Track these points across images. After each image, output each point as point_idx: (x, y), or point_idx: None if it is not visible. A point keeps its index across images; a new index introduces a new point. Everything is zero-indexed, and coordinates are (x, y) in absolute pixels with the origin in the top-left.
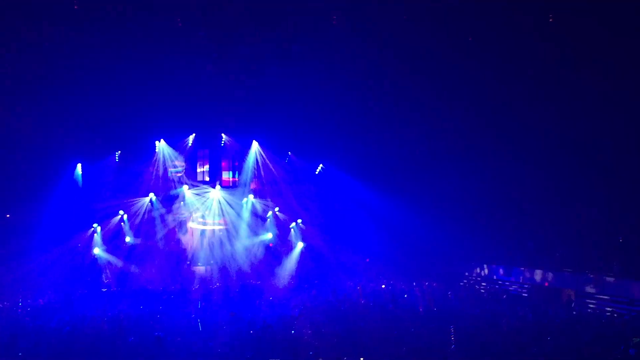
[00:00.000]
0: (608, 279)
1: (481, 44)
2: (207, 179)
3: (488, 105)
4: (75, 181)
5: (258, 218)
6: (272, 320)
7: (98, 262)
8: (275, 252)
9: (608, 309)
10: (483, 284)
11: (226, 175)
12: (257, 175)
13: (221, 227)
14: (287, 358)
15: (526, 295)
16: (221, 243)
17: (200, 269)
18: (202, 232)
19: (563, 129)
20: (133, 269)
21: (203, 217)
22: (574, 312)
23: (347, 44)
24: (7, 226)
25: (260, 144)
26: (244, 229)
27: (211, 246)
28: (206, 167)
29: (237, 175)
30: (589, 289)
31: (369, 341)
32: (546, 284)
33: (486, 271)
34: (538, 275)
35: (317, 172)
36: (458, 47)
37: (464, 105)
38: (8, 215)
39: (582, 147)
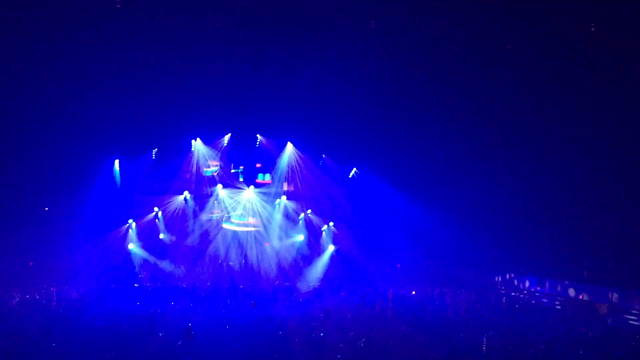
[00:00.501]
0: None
1: (514, 52)
2: (240, 179)
3: (524, 114)
4: (112, 177)
5: (290, 220)
6: (300, 321)
7: (132, 258)
8: (306, 254)
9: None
10: (514, 294)
11: (260, 178)
12: (290, 177)
13: (253, 228)
14: None
15: (559, 307)
16: (253, 243)
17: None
18: (235, 232)
19: (601, 140)
20: (175, 269)
21: (236, 217)
22: (609, 326)
23: (383, 48)
24: (45, 220)
25: (295, 145)
26: (275, 231)
27: (243, 246)
28: (241, 168)
29: (269, 177)
30: (624, 304)
31: (397, 347)
32: (580, 297)
33: (517, 282)
34: (572, 288)
35: (350, 176)
36: (491, 54)
37: (500, 112)
38: (47, 209)
39: (619, 158)
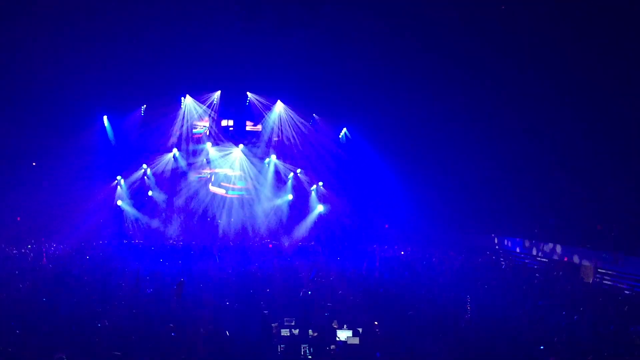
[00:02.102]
0: (628, 257)
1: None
2: (230, 128)
3: (513, 76)
4: (101, 133)
5: (279, 179)
6: (288, 280)
7: (121, 214)
8: (296, 215)
9: (627, 287)
10: (501, 258)
11: (250, 124)
12: (280, 135)
13: (241, 193)
14: (302, 317)
15: (544, 269)
16: (242, 204)
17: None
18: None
19: (587, 106)
20: (164, 226)
21: (225, 180)
22: (593, 287)
23: (376, 7)
24: (33, 175)
25: (285, 104)
26: (266, 191)
27: (232, 206)
28: (231, 122)
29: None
30: (609, 266)
31: (383, 306)
32: (565, 259)
33: (506, 243)
34: (557, 250)
35: (341, 136)
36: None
37: (490, 73)
38: (34, 164)
39: (607, 125)
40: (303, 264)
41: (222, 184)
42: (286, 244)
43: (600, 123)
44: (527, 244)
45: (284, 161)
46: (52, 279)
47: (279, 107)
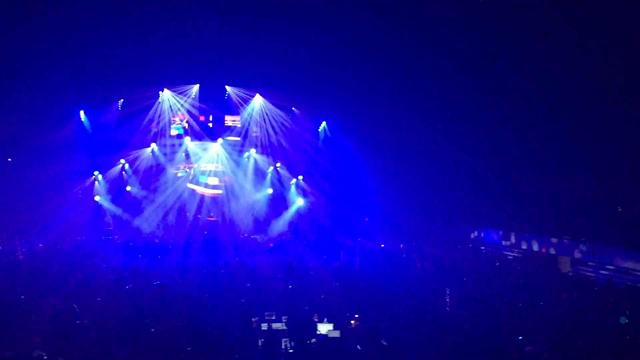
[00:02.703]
0: (605, 248)
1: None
2: (209, 124)
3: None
4: (78, 127)
5: (259, 173)
6: (267, 273)
7: (100, 210)
8: (275, 209)
9: (603, 277)
10: (482, 247)
11: (230, 118)
12: (259, 129)
13: (219, 191)
14: (282, 312)
15: (522, 260)
16: (222, 199)
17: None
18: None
19: (569, 95)
20: (143, 222)
21: (203, 178)
22: (570, 278)
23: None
24: (9, 170)
25: (264, 97)
26: (246, 185)
27: (212, 201)
28: (210, 118)
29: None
30: (586, 257)
31: (364, 300)
32: (543, 250)
33: (484, 235)
34: (535, 241)
35: (320, 130)
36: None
37: (473, 65)
38: (10, 159)
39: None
40: (283, 259)
41: (200, 180)
42: (265, 238)
43: (578, 114)
44: (505, 235)
45: (263, 155)
46: (30, 276)
47: (258, 101)
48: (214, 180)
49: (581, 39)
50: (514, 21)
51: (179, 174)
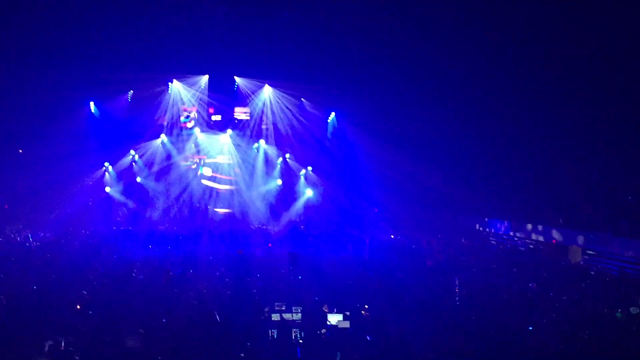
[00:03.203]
0: (616, 238)
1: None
2: (218, 117)
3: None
4: (88, 119)
5: (268, 164)
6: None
7: (110, 201)
8: (286, 199)
9: (614, 268)
10: (490, 238)
11: (239, 111)
12: (268, 120)
13: (228, 186)
14: (292, 303)
15: (532, 250)
16: (233, 190)
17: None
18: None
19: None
20: (153, 213)
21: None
22: (581, 269)
23: None
24: (20, 162)
25: (273, 87)
26: (256, 177)
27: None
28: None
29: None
30: (596, 248)
31: (374, 291)
32: (553, 241)
33: (491, 226)
34: (545, 231)
35: (329, 120)
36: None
37: (480, 54)
38: (20, 151)
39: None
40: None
41: (212, 174)
42: (276, 229)
43: (587, 105)
44: (514, 225)
45: (273, 146)
46: (41, 266)
47: (267, 91)
48: (207, 171)
49: (596, 31)
50: (525, 10)
51: (192, 166)
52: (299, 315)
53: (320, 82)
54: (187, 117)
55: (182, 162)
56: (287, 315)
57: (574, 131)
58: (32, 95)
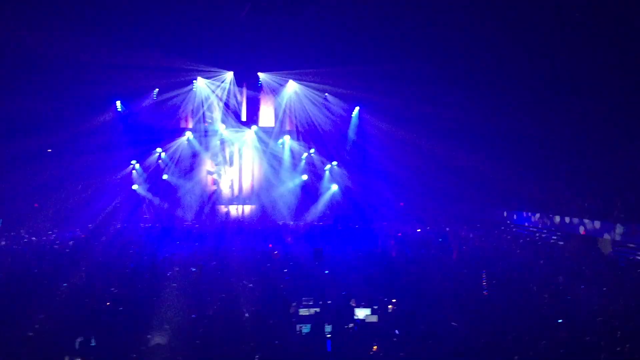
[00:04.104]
0: None
1: None
2: (244, 119)
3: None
4: (114, 118)
5: (293, 160)
6: (302, 259)
7: (137, 198)
8: (310, 195)
9: None
10: (518, 230)
11: (264, 115)
12: (293, 115)
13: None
14: (319, 297)
15: (562, 243)
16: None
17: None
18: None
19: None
20: (180, 210)
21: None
22: (611, 261)
23: None
24: (48, 161)
25: (297, 83)
26: (284, 172)
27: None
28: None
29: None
30: (627, 238)
31: (401, 284)
32: (583, 232)
33: (519, 218)
34: (574, 223)
35: (353, 115)
36: None
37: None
38: (50, 150)
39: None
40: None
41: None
42: (301, 224)
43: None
44: (542, 217)
45: (297, 141)
46: (71, 264)
47: (291, 86)
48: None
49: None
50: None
51: (214, 176)
52: (325, 309)
53: (344, 76)
54: (213, 124)
55: (208, 168)
56: (314, 310)
57: (604, 122)
58: (59, 94)
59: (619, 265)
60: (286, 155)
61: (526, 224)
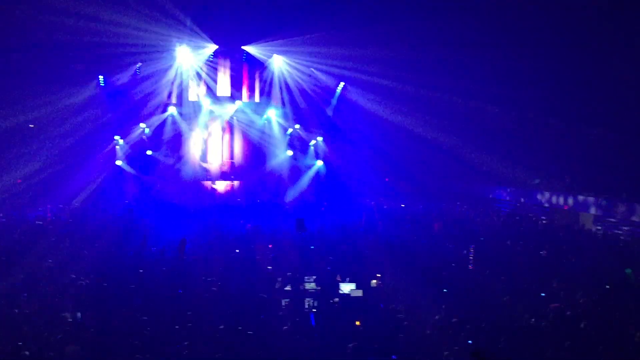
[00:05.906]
0: (631, 204)
1: None
2: (227, 94)
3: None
4: (97, 94)
5: (279, 135)
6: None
7: (121, 174)
8: (296, 171)
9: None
10: (500, 206)
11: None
12: (278, 90)
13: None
14: (304, 272)
15: (544, 217)
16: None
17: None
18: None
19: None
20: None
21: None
22: (593, 234)
23: None
24: (30, 136)
25: (283, 58)
26: (269, 147)
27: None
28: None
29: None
30: (609, 213)
31: (386, 260)
32: (565, 207)
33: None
34: (556, 198)
35: (338, 90)
36: None
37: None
38: (31, 126)
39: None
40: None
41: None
42: (287, 199)
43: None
44: (522, 192)
45: (282, 117)
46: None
47: (277, 61)
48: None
49: None
50: None
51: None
52: (313, 284)
53: (329, 51)
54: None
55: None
56: (307, 285)
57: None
58: (42, 70)
59: (601, 239)
60: (271, 131)
61: (508, 199)
